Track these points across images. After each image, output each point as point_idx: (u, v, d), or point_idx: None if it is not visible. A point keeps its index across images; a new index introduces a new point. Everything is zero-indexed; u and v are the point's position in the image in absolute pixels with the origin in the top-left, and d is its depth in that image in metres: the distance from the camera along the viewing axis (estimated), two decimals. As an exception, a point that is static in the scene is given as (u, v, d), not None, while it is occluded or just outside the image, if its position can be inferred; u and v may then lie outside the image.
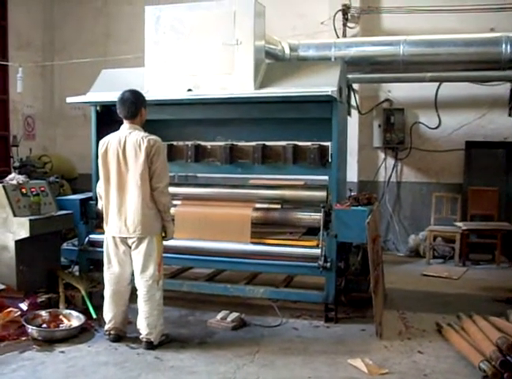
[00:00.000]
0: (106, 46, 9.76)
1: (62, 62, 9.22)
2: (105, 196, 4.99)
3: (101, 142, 5.03)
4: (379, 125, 8.61)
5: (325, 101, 5.62)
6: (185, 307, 6.01)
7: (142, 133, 4.90)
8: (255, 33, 5.74)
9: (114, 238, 4.97)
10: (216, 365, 4.62)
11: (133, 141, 4.84)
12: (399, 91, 8.61)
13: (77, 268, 6.45)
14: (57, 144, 10.15)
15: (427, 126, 8.65)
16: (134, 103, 4.99)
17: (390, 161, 8.84)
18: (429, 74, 7.65)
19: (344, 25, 8.28)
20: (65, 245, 6.46)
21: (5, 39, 8.77)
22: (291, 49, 7.46)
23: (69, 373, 4.47)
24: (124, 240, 4.93)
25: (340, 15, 8.34)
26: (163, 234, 5.03)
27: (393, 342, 5.13)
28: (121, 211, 4.89)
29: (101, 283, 5.61)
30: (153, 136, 4.89)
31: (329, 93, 5.32)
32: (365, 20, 8.47)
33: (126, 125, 4.97)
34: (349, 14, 8.29)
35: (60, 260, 6.37)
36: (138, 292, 4.97)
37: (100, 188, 5.09)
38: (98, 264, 6.25)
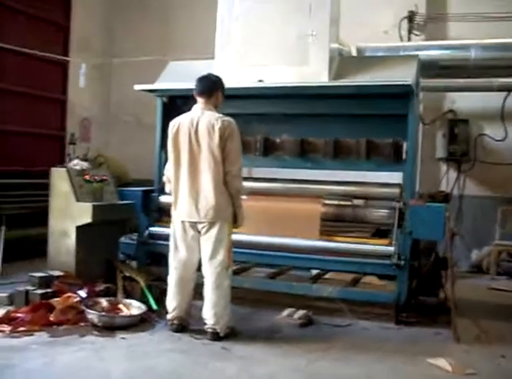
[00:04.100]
0: (164, 53, 9.72)
1: (123, 59, 9.19)
2: (175, 179, 4.80)
3: (172, 123, 4.86)
4: (443, 135, 8.36)
5: (401, 96, 5.45)
6: (247, 306, 5.71)
7: (216, 114, 4.74)
8: (331, 25, 5.63)
9: (183, 222, 4.77)
10: (287, 358, 4.38)
11: (206, 122, 4.67)
12: (463, 101, 8.38)
13: (134, 263, 6.29)
14: (110, 149, 10.09)
15: (492, 138, 8.38)
16: (213, 81, 4.89)
17: (453, 174, 8.57)
18: (497, 82, 7.43)
19: (410, 33, 8.14)
20: (123, 239, 6.32)
21: (67, 40, 8.85)
22: (359, 52, 7.32)
23: (133, 357, 4.29)
24: (193, 225, 4.74)
25: (405, 23, 8.20)
26: (234, 221, 4.85)
27: (472, 346, 4.82)
28: (192, 194, 4.70)
29: (160, 277, 5.49)
30: (228, 118, 4.72)
31: (409, 83, 5.15)
32: (431, 28, 8.30)
33: (199, 104, 4.82)
34: (415, 22, 8.14)
35: (118, 252, 6.21)
36: (206, 280, 4.76)
37: (169, 171, 4.92)
38: (156, 259, 6.12)
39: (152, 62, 8.85)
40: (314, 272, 6.23)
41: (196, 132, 4.68)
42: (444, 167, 8.61)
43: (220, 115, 4.73)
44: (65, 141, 8.71)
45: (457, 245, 8.32)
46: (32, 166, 7.85)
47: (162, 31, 10.01)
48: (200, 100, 4.82)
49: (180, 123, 4.78)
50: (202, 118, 4.71)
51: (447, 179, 8.53)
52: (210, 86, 4.84)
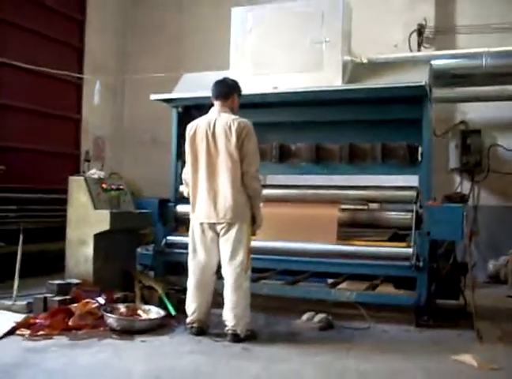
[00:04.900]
0: (178, 70, 9.84)
1: (136, 77, 9.27)
2: (193, 181, 4.83)
3: (189, 126, 4.91)
4: (456, 146, 8.35)
5: (415, 101, 5.51)
6: (265, 314, 5.62)
7: (233, 116, 4.79)
8: (343, 32, 5.71)
9: (201, 224, 4.78)
10: (309, 357, 4.34)
11: (223, 123, 4.72)
12: (475, 112, 8.40)
13: (151, 273, 6.27)
14: (124, 168, 10.15)
15: (505, 148, 8.37)
16: (229, 85, 4.95)
17: (466, 185, 8.54)
18: (508, 91, 7.47)
19: (420, 46, 8.22)
20: (140, 250, 6.31)
21: (81, 61, 8.97)
22: (370, 62, 7.37)
23: (154, 358, 4.26)
24: (212, 226, 4.74)
25: (414, 36, 8.29)
26: (253, 222, 4.84)
27: (495, 345, 4.78)
28: (210, 195, 4.71)
29: (178, 286, 5.51)
30: (244, 119, 4.76)
31: (423, 84, 5.21)
32: (440, 40, 8.38)
33: (215, 107, 4.88)
34: (424, 35, 8.22)
35: (135, 262, 6.20)
36: (225, 281, 4.74)
37: (187, 174, 4.96)
38: (173, 269, 6.11)
39: (165, 82, 8.94)
40: (330, 281, 6.20)
41: (213, 134, 4.73)
42: (457, 179, 8.60)
43: (237, 117, 4.78)
44: (80, 160, 8.78)
45: (474, 256, 8.28)
46: (47, 184, 7.88)
47: (175, 50, 10.13)
48: (216, 103, 4.88)
49: (197, 126, 4.83)
50: (219, 119, 4.75)
51: (461, 190, 8.49)
52: (226, 89, 4.91)
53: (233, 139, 4.65)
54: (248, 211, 4.76)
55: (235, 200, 4.65)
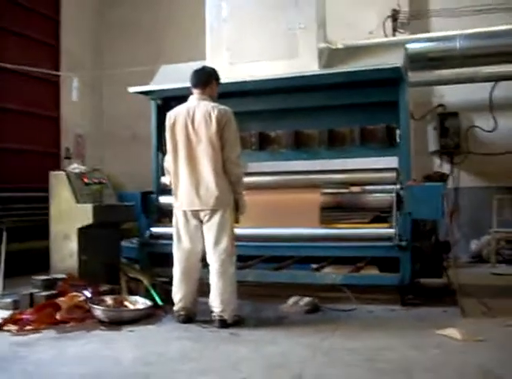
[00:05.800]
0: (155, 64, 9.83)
1: (114, 71, 9.22)
2: (174, 170, 4.84)
3: (169, 114, 4.92)
4: (434, 128, 8.44)
5: (391, 83, 5.55)
6: (252, 300, 5.66)
7: (212, 103, 4.80)
8: (318, 18, 5.75)
9: (184, 212, 4.80)
10: (297, 338, 4.38)
11: (202, 111, 4.73)
12: (452, 95, 8.51)
13: (136, 265, 6.27)
14: (105, 165, 10.12)
15: (482, 130, 8.48)
16: (207, 73, 4.97)
17: (446, 167, 8.64)
18: (481, 73, 7.58)
19: (394, 31, 8.29)
20: (123, 243, 6.31)
21: (57, 59, 8.94)
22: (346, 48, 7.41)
23: (143, 345, 4.28)
24: (196, 213, 4.76)
25: (389, 22, 8.36)
26: (236, 208, 4.87)
27: (479, 319, 4.86)
28: (192, 183, 4.73)
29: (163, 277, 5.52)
30: (224, 106, 4.78)
31: (399, 65, 5.26)
32: (414, 25, 8.46)
33: (194, 95, 4.89)
34: (398, 20, 8.30)
35: (120, 256, 6.19)
36: (211, 268, 4.76)
37: (168, 162, 4.97)
38: (157, 261, 6.11)
39: (143, 77, 8.91)
40: (315, 266, 6.24)
41: (193, 121, 4.74)
42: (437, 161, 8.69)
43: (216, 104, 4.79)
44: (60, 158, 8.75)
45: (457, 235, 8.39)
46: (28, 182, 7.84)
47: (151, 45, 10.09)
48: (195, 91, 4.89)
49: (177, 114, 4.84)
50: (198, 107, 4.77)
51: (441, 172, 8.59)
52: (205, 77, 4.93)
53: (213, 126, 4.66)
54: (231, 197, 4.79)
55: (218, 186, 4.68)
